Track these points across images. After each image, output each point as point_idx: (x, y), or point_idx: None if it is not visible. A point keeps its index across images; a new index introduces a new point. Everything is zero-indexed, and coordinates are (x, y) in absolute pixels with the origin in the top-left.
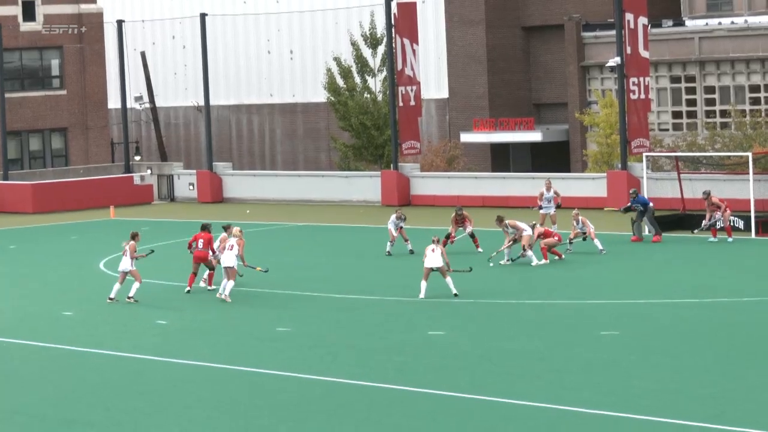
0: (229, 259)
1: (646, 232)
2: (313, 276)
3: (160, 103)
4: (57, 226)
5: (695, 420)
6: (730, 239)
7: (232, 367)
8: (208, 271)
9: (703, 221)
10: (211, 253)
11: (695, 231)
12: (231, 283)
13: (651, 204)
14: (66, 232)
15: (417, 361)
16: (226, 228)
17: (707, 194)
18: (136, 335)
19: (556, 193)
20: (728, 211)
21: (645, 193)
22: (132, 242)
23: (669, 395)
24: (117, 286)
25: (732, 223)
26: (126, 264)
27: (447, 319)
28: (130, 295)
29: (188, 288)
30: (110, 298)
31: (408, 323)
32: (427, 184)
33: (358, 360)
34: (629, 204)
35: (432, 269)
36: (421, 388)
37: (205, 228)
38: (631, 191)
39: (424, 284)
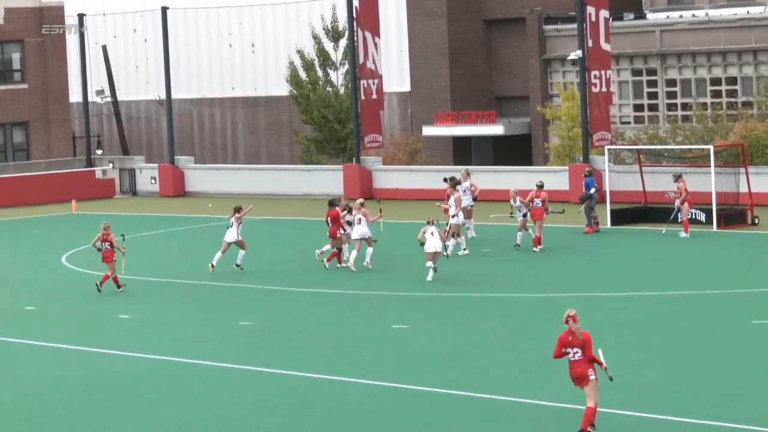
0: (360, 230)
1: (612, 225)
2: (276, 270)
3: (121, 96)
4: (18, 221)
5: (662, 413)
6: (682, 234)
7: (195, 362)
8: (332, 249)
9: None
10: (341, 230)
11: (664, 231)
12: (359, 252)
13: (595, 192)
14: (27, 227)
15: (382, 356)
16: (335, 202)
17: (678, 177)
18: (100, 329)
19: (473, 184)
20: (686, 205)
21: (607, 186)
22: (237, 214)
23: (635, 389)
24: (219, 254)
25: (693, 216)
26: (232, 235)
27: (411, 313)
28: (238, 262)
29: (339, 264)
30: (212, 265)
31: (372, 317)
32: (390, 178)
33: (322, 354)
34: (589, 193)
35: (435, 253)
36: (387, 382)
37: (332, 204)
38: (585, 170)
39: (429, 264)
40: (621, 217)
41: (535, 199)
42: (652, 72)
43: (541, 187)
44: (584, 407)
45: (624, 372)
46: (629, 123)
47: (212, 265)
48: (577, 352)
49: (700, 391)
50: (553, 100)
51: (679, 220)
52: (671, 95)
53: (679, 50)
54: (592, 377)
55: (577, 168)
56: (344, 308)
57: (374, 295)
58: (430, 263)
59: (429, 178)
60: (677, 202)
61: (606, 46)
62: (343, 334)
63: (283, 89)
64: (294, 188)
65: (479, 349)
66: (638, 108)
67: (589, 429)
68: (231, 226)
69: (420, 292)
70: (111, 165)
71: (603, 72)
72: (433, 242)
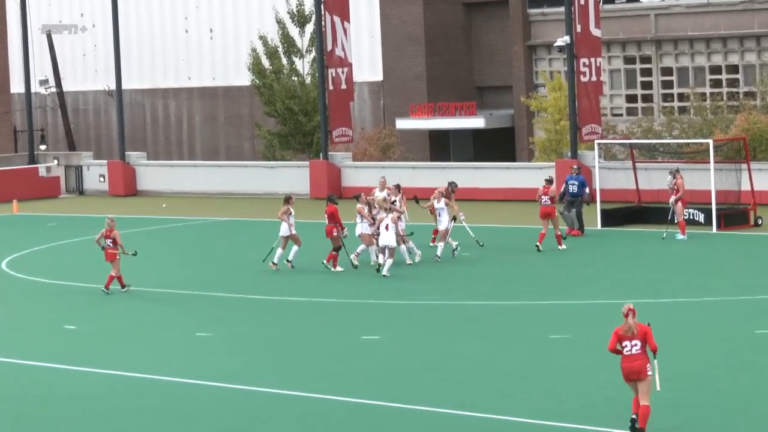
0: (388, 237)
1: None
2: (236, 275)
3: (67, 87)
4: None
5: (660, 429)
6: (678, 236)
7: (147, 376)
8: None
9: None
10: (340, 228)
11: (665, 234)
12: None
13: (588, 192)
14: None
15: (349, 368)
16: (358, 197)
17: (674, 173)
18: (46, 342)
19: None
20: (680, 204)
21: (597, 184)
22: (285, 206)
23: (624, 404)
24: (279, 251)
25: (691, 217)
26: (285, 229)
27: (382, 322)
28: (290, 258)
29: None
30: (273, 263)
31: (339, 326)
32: (360, 175)
33: (283, 367)
34: (575, 192)
35: (386, 247)
36: (353, 398)
37: (330, 200)
38: (574, 167)
39: (380, 258)
40: (613, 217)
41: (543, 196)
42: (646, 60)
43: (550, 182)
44: (578, 426)
45: (618, 387)
46: (621, 115)
47: (274, 264)
48: (635, 345)
49: (700, 405)
50: (539, 91)
51: (676, 220)
52: (667, 85)
53: (676, 36)
54: (649, 373)
55: (564, 164)
56: (311, 317)
57: (344, 304)
58: (381, 256)
59: (403, 175)
60: (671, 200)
61: (596, 32)
62: (309, 345)
63: (244, 79)
64: (256, 187)
65: (457, 360)
66: (631, 99)
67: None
68: (283, 220)
69: (393, 299)
70: (56, 162)
71: (593, 60)
72: (386, 237)
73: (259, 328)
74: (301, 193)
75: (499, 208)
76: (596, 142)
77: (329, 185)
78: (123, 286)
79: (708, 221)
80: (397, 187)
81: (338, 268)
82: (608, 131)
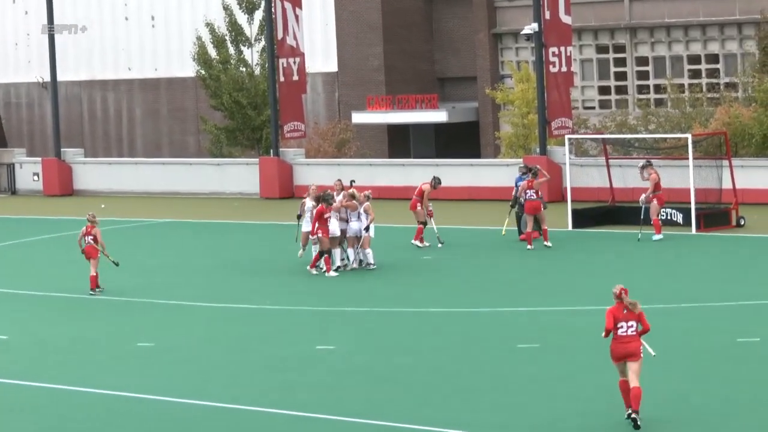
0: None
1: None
2: (179, 281)
3: None
4: None
5: None
6: (655, 237)
7: (85, 390)
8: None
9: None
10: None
11: (639, 236)
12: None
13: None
14: None
15: (301, 380)
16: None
17: (645, 166)
18: None
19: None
20: (655, 202)
21: (568, 182)
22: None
23: (596, 418)
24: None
25: (669, 217)
26: (308, 224)
27: (338, 331)
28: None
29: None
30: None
31: (293, 336)
32: (314, 173)
33: (233, 379)
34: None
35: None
36: (307, 412)
37: (321, 200)
38: (521, 165)
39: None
40: (584, 218)
41: (527, 191)
42: (620, 48)
43: (535, 174)
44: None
45: (590, 399)
46: (593, 108)
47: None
48: (631, 326)
49: (677, 421)
50: (505, 82)
51: (651, 220)
52: (642, 75)
53: (652, 23)
54: (642, 354)
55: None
56: (262, 326)
57: (297, 311)
58: (350, 250)
59: (360, 172)
60: (643, 197)
61: (566, 19)
62: (258, 356)
63: (188, 69)
64: (202, 185)
65: (417, 371)
66: (604, 91)
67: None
68: (303, 215)
69: (351, 306)
70: None
71: (563, 49)
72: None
73: (206, 337)
74: (250, 192)
75: (463, 207)
76: (567, 137)
77: (280, 183)
78: (94, 288)
79: (687, 222)
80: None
81: (332, 273)
82: (579, 125)
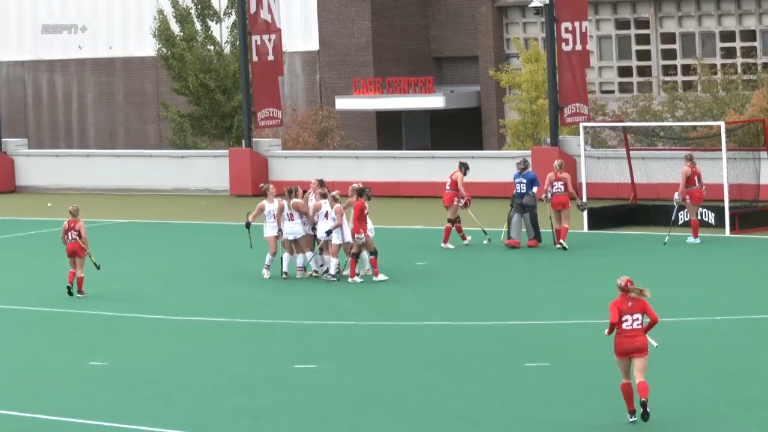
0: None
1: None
2: (137, 291)
3: None
4: None
5: None
6: (690, 239)
7: (28, 416)
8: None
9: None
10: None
11: (666, 239)
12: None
13: (533, 192)
14: None
15: (279, 405)
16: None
17: (690, 159)
18: None
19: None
20: (688, 200)
21: (583, 177)
22: (294, 200)
23: None
24: (308, 254)
25: (700, 216)
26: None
27: (321, 347)
28: (300, 264)
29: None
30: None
31: (268, 354)
32: (292, 167)
33: (198, 403)
34: (523, 193)
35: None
36: None
37: (361, 193)
38: (519, 160)
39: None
40: (602, 218)
41: (554, 183)
42: (643, 24)
43: (561, 167)
44: None
45: (606, 427)
46: (612, 92)
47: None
48: (637, 320)
49: None
50: (511, 62)
51: (687, 219)
52: (668, 55)
53: None
54: (648, 349)
55: (543, 153)
56: (232, 342)
57: (275, 325)
58: (326, 257)
59: (345, 166)
60: (676, 195)
61: None
62: (228, 377)
63: (148, 48)
64: (163, 181)
65: (409, 395)
66: (624, 72)
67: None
68: (290, 219)
69: (334, 319)
70: None
71: (577, 24)
72: (325, 227)
73: (168, 355)
74: (218, 188)
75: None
76: (581, 125)
77: (253, 179)
78: (81, 290)
79: (720, 222)
80: (320, 183)
81: (381, 277)
82: (596, 112)
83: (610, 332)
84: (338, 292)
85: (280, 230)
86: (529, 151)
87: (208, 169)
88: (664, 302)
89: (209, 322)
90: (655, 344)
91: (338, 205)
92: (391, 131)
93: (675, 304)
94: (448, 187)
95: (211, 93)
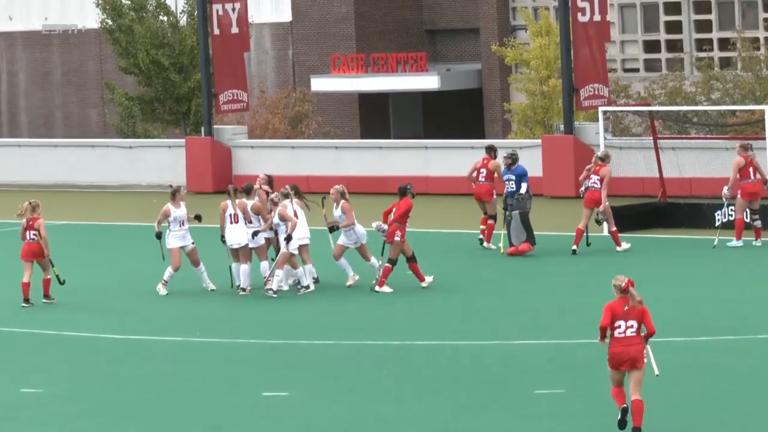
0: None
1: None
2: (76, 304)
3: None
4: None
5: None
6: (733, 242)
7: None
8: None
9: (723, 211)
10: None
11: (716, 242)
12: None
13: (527, 187)
14: None
15: None
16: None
17: (746, 148)
18: None
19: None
20: (739, 196)
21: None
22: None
23: None
24: (244, 267)
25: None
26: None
27: (294, 372)
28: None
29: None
30: (241, 288)
31: (231, 379)
32: (260, 158)
33: None
34: (512, 191)
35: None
36: None
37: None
38: (507, 153)
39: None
40: (625, 219)
41: (592, 176)
42: None
43: (603, 159)
44: None
45: None
46: (637, 71)
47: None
48: (632, 327)
49: None
50: (518, 36)
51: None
52: (703, 26)
53: None
54: (645, 360)
55: (555, 143)
56: (188, 365)
57: (240, 345)
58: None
59: (322, 158)
60: (725, 190)
61: None
62: (183, 407)
63: (90, 19)
64: (108, 175)
65: (396, 425)
66: (651, 47)
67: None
68: (232, 221)
69: (308, 338)
70: None
71: None
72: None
73: (113, 380)
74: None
75: (461, 204)
76: (601, 109)
77: (215, 172)
78: (47, 294)
79: (766, 224)
80: (269, 180)
81: (429, 277)
82: (618, 94)
83: (602, 339)
84: (315, 306)
85: (222, 237)
86: (539, 140)
87: (161, 161)
88: (693, 316)
89: (162, 342)
90: (656, 371)
91: (282, 207)
92: (377, 117)
93: (714, 318)
94: (483, 179)
95: (164, 72)
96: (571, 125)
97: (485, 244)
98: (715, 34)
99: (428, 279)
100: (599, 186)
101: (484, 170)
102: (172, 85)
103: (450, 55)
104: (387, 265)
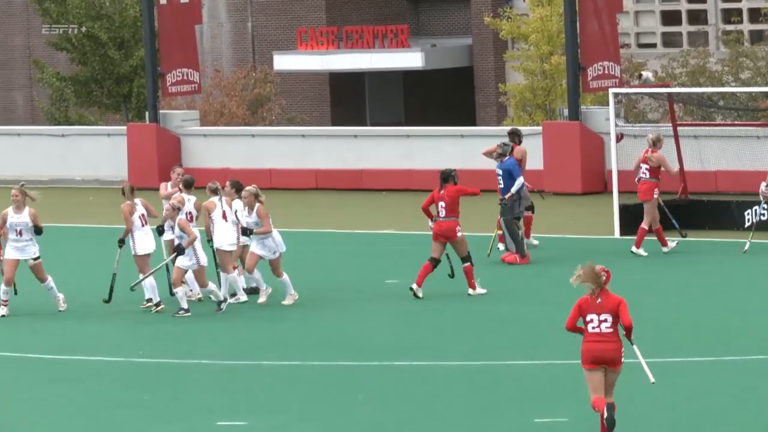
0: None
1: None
2: (9, 320)
3: None
4: None
5: None
6: None
7: None
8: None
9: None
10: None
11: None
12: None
13: (523, 183)
14: None
15: None
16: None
17: None
18: None
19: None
20: None
21: (613, 162)
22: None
23: None
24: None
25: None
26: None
27: (255, 396)
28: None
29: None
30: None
31: (181, 405)
32: (214, 149)
33: None
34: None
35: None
36: None
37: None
38: (500, 143)
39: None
40: (639, 218)
41: (641, 165)
42: None
43: (655, 143)
44: None
45: None
46: (654, 46)
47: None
48: (605, 321)
49: None
50: (514, 5)
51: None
52: None
53: None
54: (622, 361)
55: (558, 130)
56: (131, 389)
57: (192, 366)
58: (232, 276)
59: (287, 148)
60: (763, 186)
61: None
62: None
63: None
64: (36, 167)
65: None
66: (670, 18)
67: None
68: (142, 225)
69: (270, 358)
70: None
71: None
72: (224, 236)
73: (42, 406)
74: (112, 178)
75: None
76: (611, 91)
77: (161, 164)
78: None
79: None
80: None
81: (478, 290)
82: (632, 74)
83: (572, 328)
84: (279, 322)
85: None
86: (540, 127)
87: (98, 152)
88: (732, 337)
89: (99, 362)
90: (652, 379)
91: (181, 216)
92: (351, 101)
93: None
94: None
95: (102, 48)
96: (577, 110)
97: (526, 240)
98: (744, 4)
99: (480, 290)
100: (648, 176)
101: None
102: (111, 63)
103: (436, 28)
104: (467, 264)
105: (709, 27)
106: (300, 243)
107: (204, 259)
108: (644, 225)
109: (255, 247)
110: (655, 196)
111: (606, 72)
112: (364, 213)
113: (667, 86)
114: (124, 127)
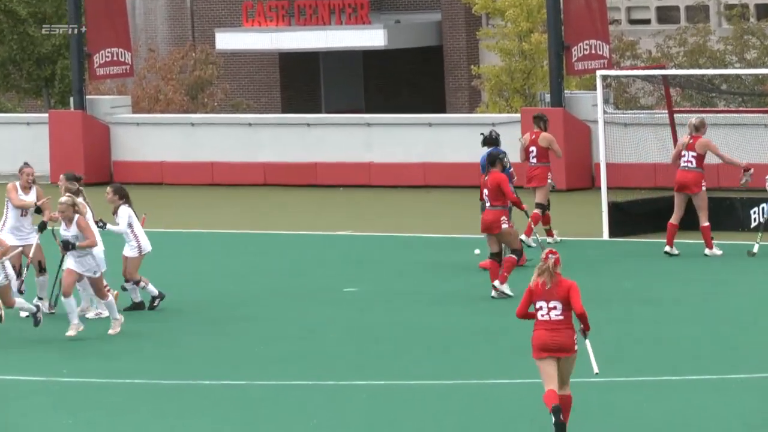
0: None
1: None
2: None
3: None
4: None
5: None
6: None
7: None
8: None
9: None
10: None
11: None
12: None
13: (512, 171)
14: None
15: None
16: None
17: None
18: None
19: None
20: None
21: (601, 154)
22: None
23: None
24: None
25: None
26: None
27: (196, 419)
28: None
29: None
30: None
31: (112, 428)
32: (148, 138)
33: None
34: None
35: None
36: None
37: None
38: (484, 133)
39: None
40: (630, 218)
41: (685, 152)
42: None
43: (699, 128)
44: None
45: None
46: (647, 23)
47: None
48: (555, 308)
49: None
50: None
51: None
52: None
53: None
54: (576, 348)
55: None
56: (57, 412)
57: (123, 386)
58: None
59: (231, 139)
60: None
61: None
62: None
63: None
64: None
65: None
66: None
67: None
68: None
69: (217, 377)
70: None
71: None
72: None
73: None
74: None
75: (416, 199)
76: (599, 73)
77: (88, 156)
78: None
79: None
80: (75, 179)
81: (504, 288)
82: (622, 54)
83: (524, 315)
84: (221, 337)
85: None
86: (519, 114)
87: (16, 142)
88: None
89: (18, 382)
90: (596, 369)
91: (79, 217)
92: (303, 84)
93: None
94: (534, 159)
95: (20, 25)
96: (560, 94)
97: (550, 238)
98: None
99: (506, 289)
100: (694, 165)
101: (534, 148)
102: (30, 42)
103: (400, 3)
104: (511, 256)
105: (710, 1)
106: (246, 246)
107: (13, 274)
108: (703, 222)
109: (72, 264)
110: (704, 187)
111: (593, 52)
112: (318, 212)
113: (663, 67)
114: (46, 115)
